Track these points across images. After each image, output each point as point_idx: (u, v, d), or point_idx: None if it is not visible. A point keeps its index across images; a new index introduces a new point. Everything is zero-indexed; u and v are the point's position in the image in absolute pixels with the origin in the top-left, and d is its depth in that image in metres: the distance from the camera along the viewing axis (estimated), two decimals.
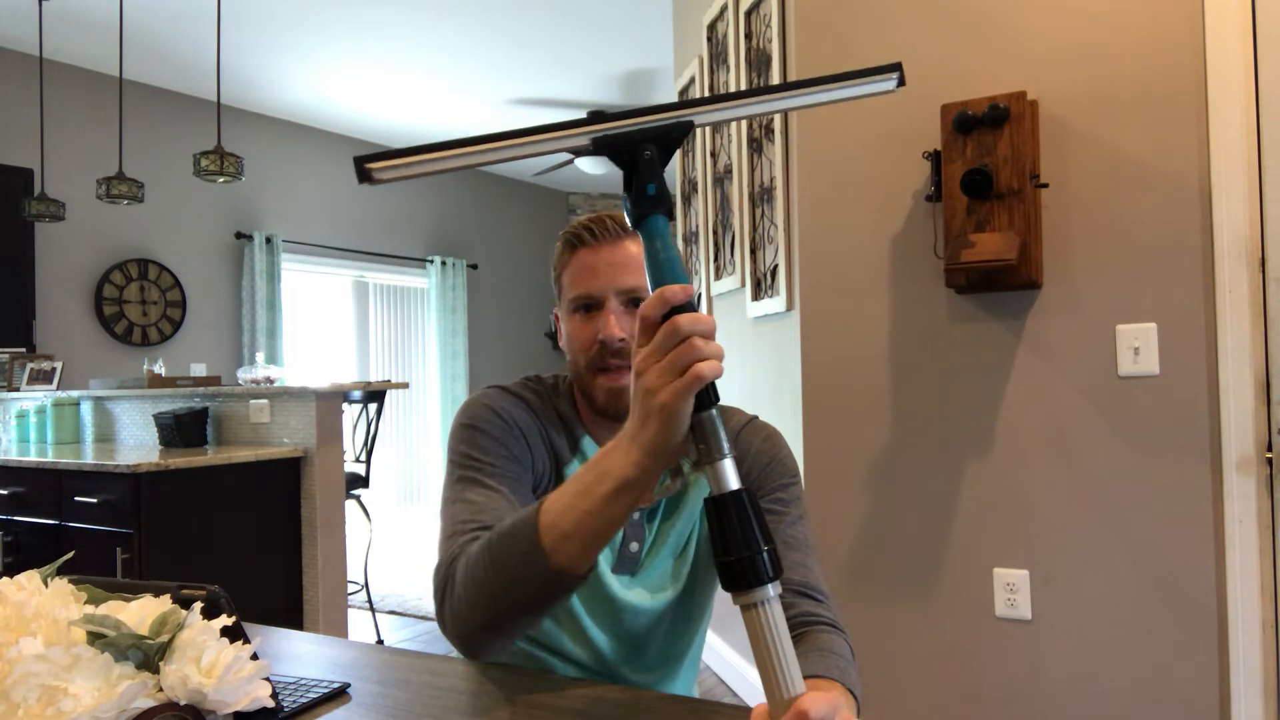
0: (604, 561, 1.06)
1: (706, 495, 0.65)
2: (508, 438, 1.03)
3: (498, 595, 0.84)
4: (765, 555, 0.62)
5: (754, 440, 1.10)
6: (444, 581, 0.89)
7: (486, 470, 1.00)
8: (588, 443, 1.08)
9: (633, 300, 1.04)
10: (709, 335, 0.66)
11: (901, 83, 0.75)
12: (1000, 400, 2.16)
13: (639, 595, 1.07)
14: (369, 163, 0.66)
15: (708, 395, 0.67)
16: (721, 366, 0.66)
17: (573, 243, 1.07)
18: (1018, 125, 2.01)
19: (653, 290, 0.68)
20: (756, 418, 1.14)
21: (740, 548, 0.62)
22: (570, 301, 1.06)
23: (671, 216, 0.70)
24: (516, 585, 0.82)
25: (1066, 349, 2.09)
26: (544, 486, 1.05)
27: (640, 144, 0.68)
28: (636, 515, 1.07)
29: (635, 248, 1.05)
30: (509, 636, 0.90)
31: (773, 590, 0.62)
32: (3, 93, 4.62)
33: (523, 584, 0.82)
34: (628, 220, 0.70)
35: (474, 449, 1.01)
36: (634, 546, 1.07)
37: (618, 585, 1.06)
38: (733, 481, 0.65)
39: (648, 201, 0.68)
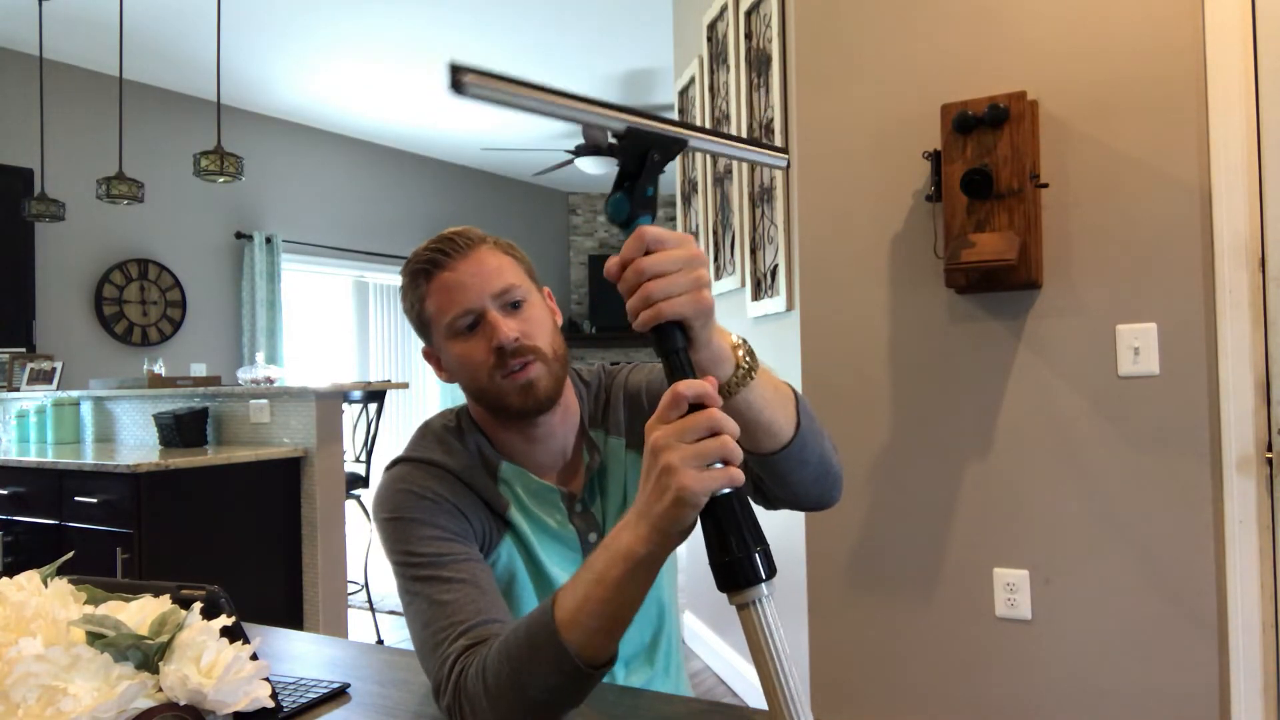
0: (575, 565, 1.03)
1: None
2: (439, 516, 0.98)
3: (535, 705, 0.80)
4: (758, 555, 0.65)
5: (636, 376, 1.13)
6: (455, 701, 0.84)
7: (438, 563, 0.94)
8: (506, 469, 1.05)
9: (511, 303, 1.02)
10: (735, 434, 0.67)
11: (789, 166, 0.82)
12: (1000, 400, 2.16)
13: None
14: (466, 73, 0.62)
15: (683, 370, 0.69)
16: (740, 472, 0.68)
17: (426, 271, 1.02)
18: (1018, 125, 2.01)
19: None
20: (633, 364, 1.17)
21: (734, 549, 0.65)
22: (448, 327, 1.02)
23: (654, 220, 0.74)
24: (551, 690, 0.79)
25: (1066, 349, 2.09)
26: (490, 541, 1.02)
27: (651, 147, 0.70)
28: (580, 507, 1.06)
29: (489, 254, 1.03)
30: None
31: (766, 589, 0.65)
32: (3, 93, 4.62)
33: (558, 688, 0.79)
34: (611, 217, 0.71)
35: (414, 544, 0.96)
36: (593, 538, 1.06)
37: None
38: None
39: (644, 203, 0.71)
